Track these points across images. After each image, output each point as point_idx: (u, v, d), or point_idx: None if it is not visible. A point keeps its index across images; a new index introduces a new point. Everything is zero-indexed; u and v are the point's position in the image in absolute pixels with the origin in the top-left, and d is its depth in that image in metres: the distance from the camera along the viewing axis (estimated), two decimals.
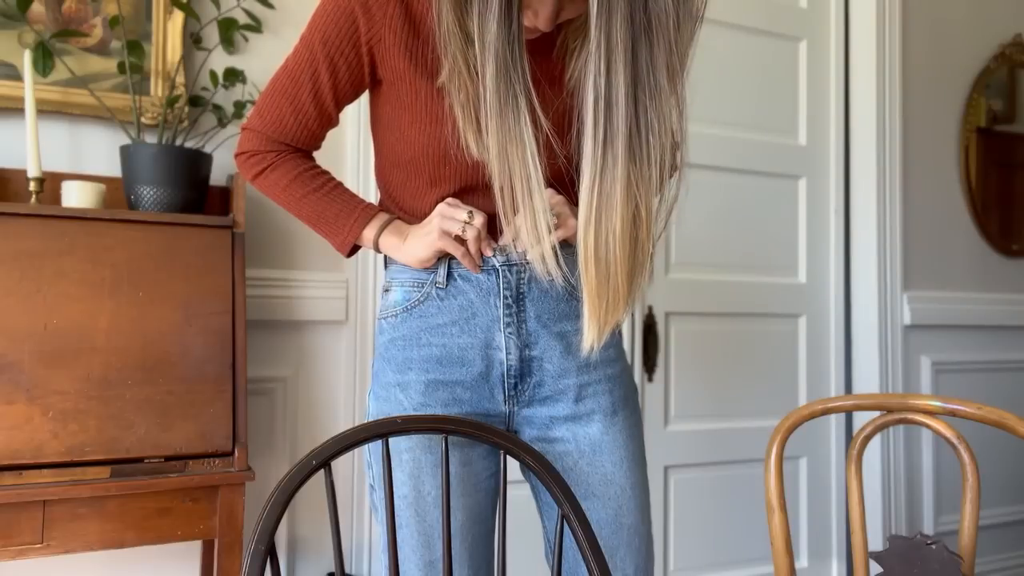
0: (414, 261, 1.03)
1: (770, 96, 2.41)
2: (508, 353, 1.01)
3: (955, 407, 1.08)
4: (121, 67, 1.56)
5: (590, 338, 0.92)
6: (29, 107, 1.42)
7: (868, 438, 1.15)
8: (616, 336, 1.09)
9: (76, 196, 1.43)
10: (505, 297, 1.01)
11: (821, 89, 2.50)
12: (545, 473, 0.96)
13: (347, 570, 1.79)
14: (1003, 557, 2.68)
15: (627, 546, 1.03)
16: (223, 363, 1.39)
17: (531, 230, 0.89)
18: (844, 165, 2.52)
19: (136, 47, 1.55)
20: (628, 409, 1.06)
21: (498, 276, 1.02)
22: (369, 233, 1.06)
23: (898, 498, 2.45)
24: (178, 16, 1.65)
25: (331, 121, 1.07)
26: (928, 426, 1.11)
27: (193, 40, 1.65)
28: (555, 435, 1.04)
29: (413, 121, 0.99)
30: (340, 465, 1.78)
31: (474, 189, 1.02)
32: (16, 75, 1.52)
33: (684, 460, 2.23)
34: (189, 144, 1.61)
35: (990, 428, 2.47)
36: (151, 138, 1.61)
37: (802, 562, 2.39)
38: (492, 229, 1.03)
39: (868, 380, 2.44)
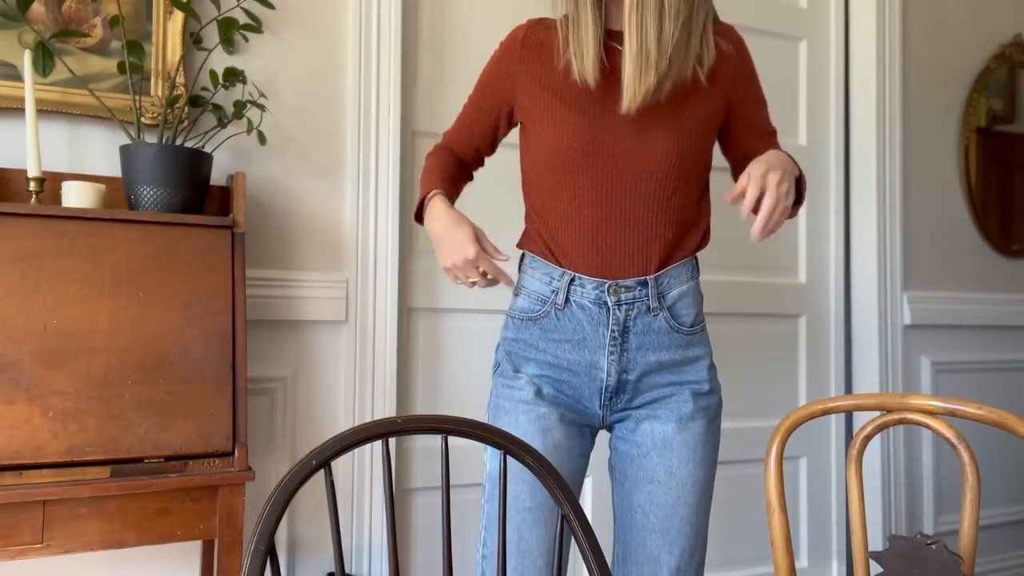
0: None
1: (770, 96, 2.41)
2: (608, 375, 1.20)
3: (955, 407, 1.08)
4: (121, 67, 1.56)
5: (627, 100, 1.12)
6: (29, 107, 1.42)
7: (868, 438, 1.15)
8: (712, 370, 1.26)
9: (76, 196, 1.43)
10: (612, 330, 1.19)
11: (821, 89, 2.50)
12: (545, 474, 0.96)
13: (347, 570, 1.79)
14: (1003, 557, 2.68)
15: (678, 530, 1.18)
16: (223, 363, 1.39)
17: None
18: (844, 165, 2.52)
19: (136, 47, 1.55)
20: (706, 421, 1.22)
21: (608, 311, 1.19)
22: (425, 202, 1.25)
23: (898, 498, 2.45)
24: (178, 16, 1.65)
25: (486, 142, 1.33)
26: (928, 426, 1.11)
27: (193, 40, 1.65)
28: (637, 427, 1.22)
29: (542, 126, 1.20)
30: (340, 465, 1.78)
31: (584, 170, 1.19)
32: (16, 75, 1.52)
33: None
34: (189, 144, 1.61)
35: (990, 428, 2.48)
36: (151, 138, 1.61)
37: (802, 562, 2.39)
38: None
39: (868, 380, 2.44)
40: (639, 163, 1.17)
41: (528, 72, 1.21)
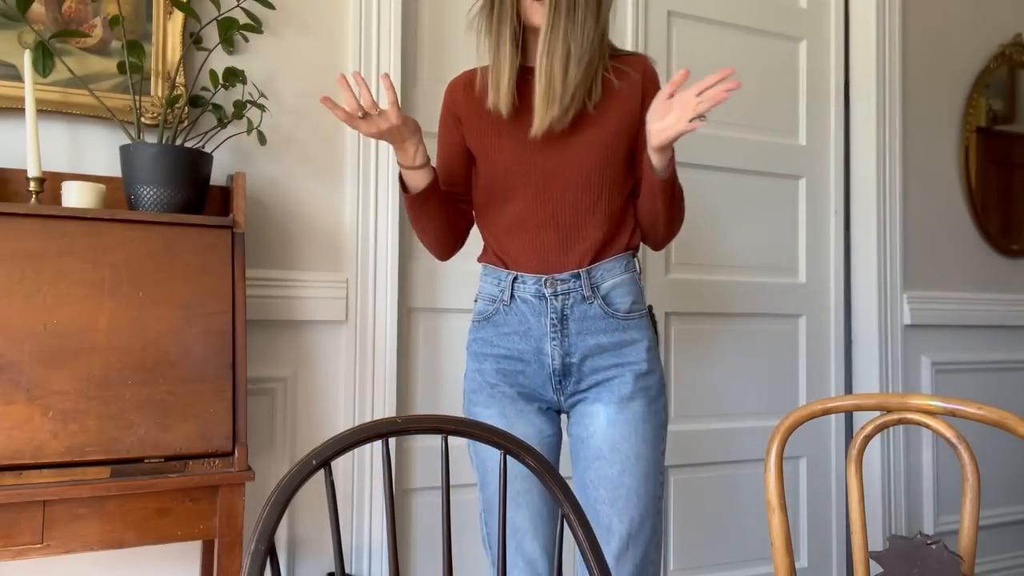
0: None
1: (770, 96, 2.41)
2: (554, 360, 1.34)
3: (955, 407, 1.08)
4: (121, 67, 1.56)
5: (536, 125, 1.30)
6: (29, 107, 1.42)
7: (868, 438, 1.15)
8: (652, 352, 1.37)
9: (76, 196, 1.43)
10: (552, 318, 1.33)
11: (821, 89, 2.50)
12: (545, 473, 0.96)
13: (347, 570, 1.79)
14: (1003, 557, 2.68)
15: (625, 499, 1.29)
16: (223, 363, 1.39)
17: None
18: (844, 165, 2.52)
19: (136, 47, 1.55)
20: (646, 400, 1.33)
21: (547, 302, 1.34)
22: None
23: (898, 498, 2.45)
24: (178, 16, 1.65)
25: (466, 170, 1.46)
26: (928, 426, 1.11)
27: (193, 40, 1.65)
28: (584, 409, 1.35)
29: (483, 154, 1.39)
30: (340, 465, 1.78)
31: (521, 192, 1.37)
32: (16, 75, 1.52)
33: (684, 460, 2.23)
34: (189, 144, 1.61)
35: (990, 428, 2.48)
36: (151, 138, 1.61)
37: (802, 562, 2.39)
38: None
39: (868, 380, 2.44)
40: (564, 176, 1.34)
41: (467, 112, 1.41)
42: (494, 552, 1.38)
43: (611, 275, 1.35)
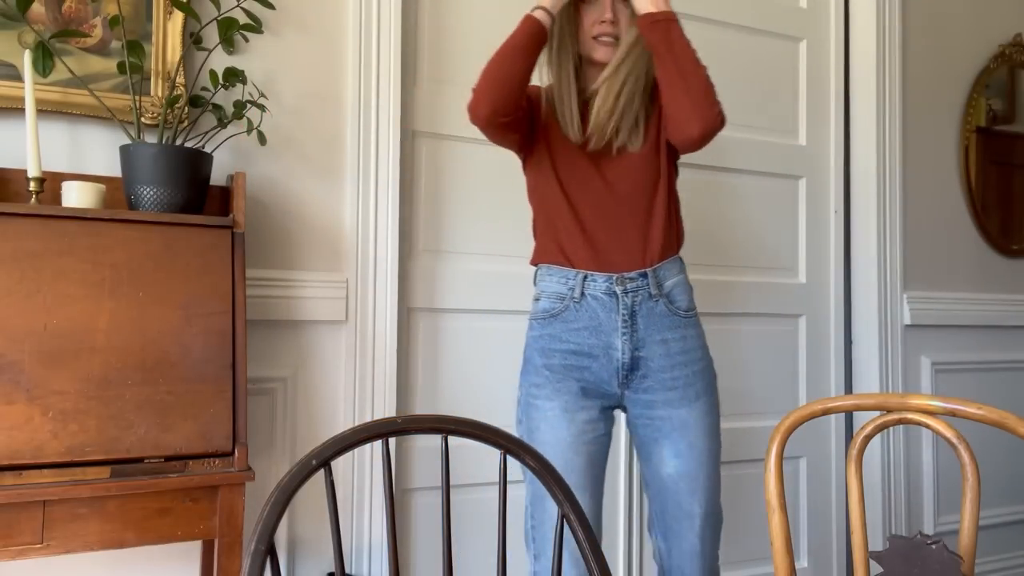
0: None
1: (770, 96, 2.41)
2: (623, 354, 1.44)
3: (955, 407, 1.08)
4: (121, 67, 1.56)
5: (596, 140, 1.47)
6: (29, 107, 1.42)
7: (868, 438, 1.15)
8: (707, 348, 1.52)
9: (76, 196, 1.43)
10: (623, 314, 1.44)
11: (821, 89, 2.50)
12: (546, 473, 0.96)
13: (347, 570, 1.79)
14: (1003, 557, 2.68)
15: (703, 488, 1.45)
16: (223, 363, 1.39)
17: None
18: (844, 165, 2.52)
19: (136, 47, 1.55)
20: (709, 396, 1.48)
21: (618, 299, 1.44)
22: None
23: (898, 498, 2.45)
24: (178, 16, 1.65)
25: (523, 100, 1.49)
26: (928, 426, 1.11)
27: (193, 40, 1.65)
28: (656, 413, 1.46)
29: (552, 164, 1.51)
30: (340, 465, 1.78)
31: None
32: (16, 75, 1.52)
33: None
34: (189, 144, 1.61)
35: (990, 428, 2.47)
36: (151, 138, 1.61)
37: (802, 562, 2.39)
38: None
39: (868, 380, 2.44)
40: (624, 186, 1.48)
41: (546, 116, 1.52)
42: (537, 546, 1.46)
43: (671, 275, 1.48)
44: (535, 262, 1.55)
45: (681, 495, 1.46)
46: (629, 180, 1.48)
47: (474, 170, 2.00)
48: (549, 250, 1.51)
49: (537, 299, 1.52)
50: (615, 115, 1.45)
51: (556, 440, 1.43)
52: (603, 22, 1.45)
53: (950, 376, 2.60)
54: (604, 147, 1.47)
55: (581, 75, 1.51)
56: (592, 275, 1.45)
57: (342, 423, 1.81)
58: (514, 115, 1.44)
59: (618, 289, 1.44)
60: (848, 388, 2.50)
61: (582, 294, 1.46)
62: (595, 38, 1.47)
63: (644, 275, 1.45)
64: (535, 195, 1.56)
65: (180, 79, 1.63)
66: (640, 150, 1.49)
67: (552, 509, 1.38)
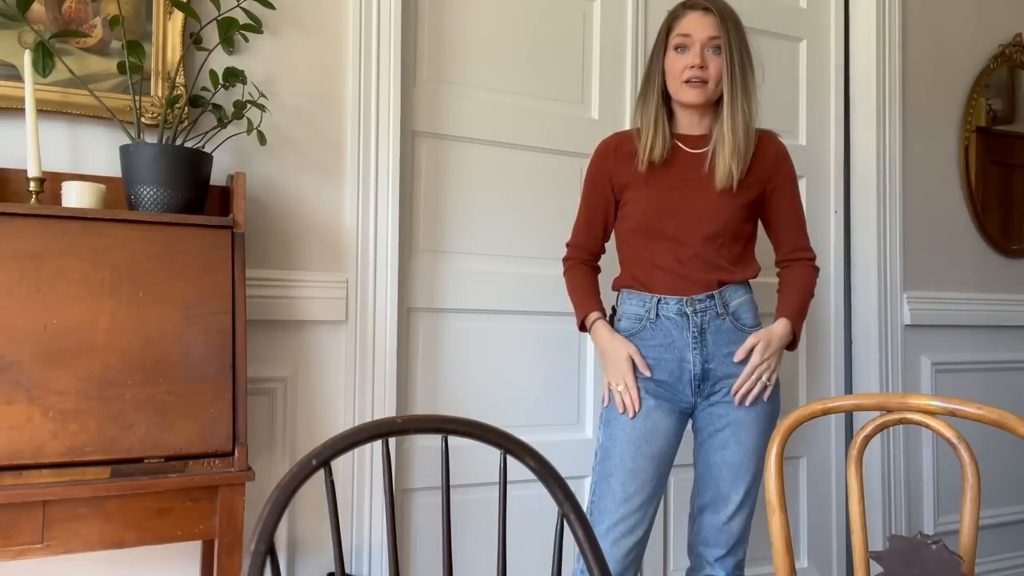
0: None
1: (770, 96, 2.41)
2: (695, 366, 1.64)
3: (955, 407, 1.08)
4: (121, 67, 1.56)
5: (721, 177, 1.64)
6: (29, 107, 1.42)
7: (868, 438, 1.15)
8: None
9: (76, 196, 1.43)
10: (693, 331, 1.64)
11: (821, 89, 2.50)
12: (546, 473, 0.96)
13: (347, 570, 1.79)
14: (1003, 557, 2.68)
15: (743, 478, 1.65)
16: (223, 363, 1.39)
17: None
18: (844, 165, 2.52)
19: (136, 47, 1.55)
20: (768, 402, 1.66)
21: (688, 319, 1.64)
22: (587, 323, 1.73)
23: (898, 498, 2.45)
24: (178, 16, 1.65)
25: (610, 225, 1.77)
26: (928, 426, 1.11)
27: (193, 40, 1.65)
28: (716, 411, 1.66)
29: (632, 203, 1.70)
30: (340, 465, 1.78)
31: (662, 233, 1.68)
32: (16, 75, 1.52)
33: (684, 460, 2.22)
34: (189, 144, 1.61)
35: (990, 428, 2.47)
36: (151, 138, 1.61)
37: (802, 562, 2.39)
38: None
39: (868, 380, 2.45)
40: (698, 223, 1.64)
41: (619, 168, 1.70)
42: (594, 519, 1.65)
43: (736, 296, 1.66)
44: (616, 287, 1.75)
45: (722, 482, 1.65)
46: (704, 217, 1.64)
47: (474, 170, 2.01)
48: (627, 275, 1.72)
49: (619, 320, 1.71)
50: (741, 149, 1.62)
51: (629, 439, 1.66)
52: (693, 67, 1.61)
53: (950, 376, 2.60)
54: (694, 184, 1.65)
55: (673, 119, 1.71)
56: (664, 298, 1.65)
57: (342, 423, 1.81)
58: (603, 245, 1.79)
59: (688, 309, 1.64)
60: (848, 388, 2.50)
61: (657, 315, 1.65)
62: (686, 82, 1.62)
63: (711, 296, 1.64)
64: (620, 230, 1.75)
65: (180, 79, 1.63)
66: (724, 190, 1.64)
67: (614, 487, 1.62)
